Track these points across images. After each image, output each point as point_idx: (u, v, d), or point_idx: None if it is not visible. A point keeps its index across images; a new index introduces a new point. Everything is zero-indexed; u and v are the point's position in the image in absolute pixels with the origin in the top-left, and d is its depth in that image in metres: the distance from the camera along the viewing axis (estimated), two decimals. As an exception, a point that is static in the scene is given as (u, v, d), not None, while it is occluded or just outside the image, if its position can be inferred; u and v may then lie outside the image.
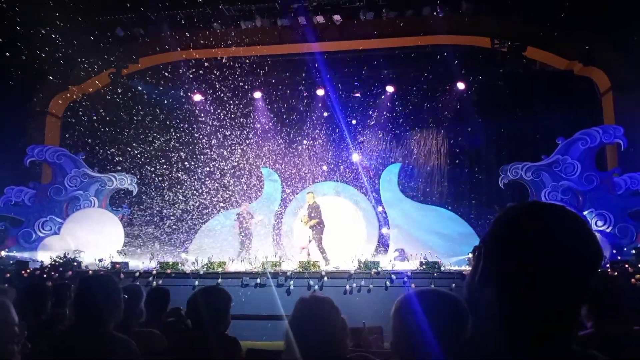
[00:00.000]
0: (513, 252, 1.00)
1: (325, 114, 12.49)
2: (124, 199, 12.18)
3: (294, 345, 1.95)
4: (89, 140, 12.20)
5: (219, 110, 12.31)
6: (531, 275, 0.97)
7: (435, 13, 10.18)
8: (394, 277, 8.11)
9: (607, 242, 9.31)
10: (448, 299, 1.51)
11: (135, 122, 12.06)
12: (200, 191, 12.35)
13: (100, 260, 9.33)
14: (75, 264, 9.04)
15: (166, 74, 11.94)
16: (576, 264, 0.98)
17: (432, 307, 1.45)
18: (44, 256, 9.50)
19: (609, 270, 7.69)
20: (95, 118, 12.09)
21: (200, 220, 12.33)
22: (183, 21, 10.76)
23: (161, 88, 12.11)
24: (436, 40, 10.90)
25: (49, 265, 8.85)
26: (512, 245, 1.01)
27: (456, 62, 11.09)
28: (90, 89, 12.30)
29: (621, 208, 9.78)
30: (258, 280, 8.25)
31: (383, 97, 12.12)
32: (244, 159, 12.63)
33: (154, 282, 8.13)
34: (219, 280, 8.20)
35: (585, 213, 9.89)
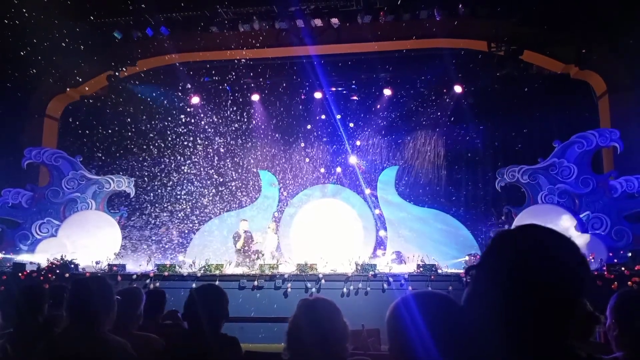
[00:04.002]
0: (505, 275, 1.06)
1: (323, 117, 12.52)
2: (121, 201, 12.16)
3: (295, 346, 1.96)
4: (87, 143, 12.19)
5: (217, 113, 12.33)
6: (522, 297, 1.03)
7: (432, 16, 10.22)
8: (391, 279, 8.12)
9: (603, 244, 9.35)
10: (442, 300, 1.51)
11: (133, 124, 12.07)
12: (197, 193, 12.36)
13: (97, 263, 9.32)
14: (73, 266, 9.03)
15: (164, 77, 11.96)
16: (565, 286, 1.05)
17: (427, 309, 1.46)
18: (41, 258, 9.47)
19: (605, 273, 7.72)
20: (93, 120, 12.10)
21: (198, 223, 12.33)
22: (181, 24, 10.77)
23: (159, 91, 12.11)
24: (433, 44, 10.94)
25: (46, 268, 8.83)
26: (504, 269, 1.07)
27: (453, 65, 11.14)
28: (88, 91, 12.30)
29: (617, 211, 9.82)
30: (255, 283, 8.26)
31: (380, 100, 12.15)
32: (242, 161, 12.65)
33: (152, 285, 8.13)
34: (217, 282, 8.19)
35: (581, 216, 9.94)
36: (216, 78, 12.16)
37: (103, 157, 12.27)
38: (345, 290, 8.07)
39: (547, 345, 1.01)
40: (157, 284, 8.15)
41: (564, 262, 1.06)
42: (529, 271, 1.04)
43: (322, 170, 12.68)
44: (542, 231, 1.12)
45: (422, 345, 1.39)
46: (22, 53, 9.76)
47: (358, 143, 12.55)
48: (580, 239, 9.32)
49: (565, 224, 9.73)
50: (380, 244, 12.02)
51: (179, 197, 12.27)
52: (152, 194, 12.19)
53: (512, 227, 1.17)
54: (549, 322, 1.02)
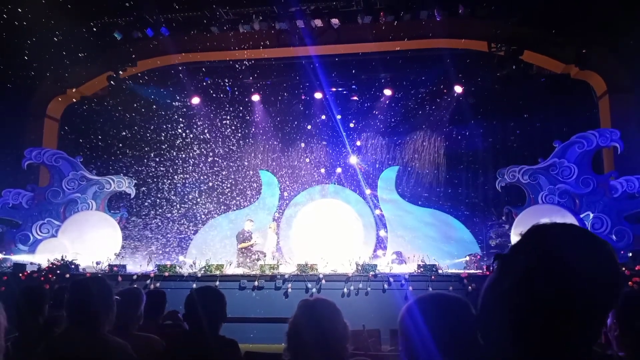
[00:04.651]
0: (529, 272, 1.00)
1: (323, 117, 12.52)
2: (122, 202, 12.16)
3: (295, 347, 1.95)
4: (87, 143, 12.19)
5: (217, 114, 12.33)
6: (543, 297, 0.98)
7: (432, 17, 10.22)
8: (391, 279, 8.12)
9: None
10: (449, 303, 1.51)
11: (133, 124, 12.07)
12: (198, 194, 12.36)
13: (97, 263, 9.32)
14: (73, 266, 9.03)
15: (164, 77, 11.96)
16: (591, 293, 0.98)
17: (432, 313, 1.45)
18: (42, 259, 9.47)
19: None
20: (93, 121, 12.09)
21: (199, 223, 12.32)
22: (181, 24, 10.77)
23: (159, 91, 12.12)
24: (434, 44, 10.94)
25: (47, 268, 8.83)
26: (531, 266, 1.01)
27: (453, 65, 11.13)
28: (89, 92, 12.31)
29: (618, 211, 9.82)
30: (256, 283, 8.26)
31: (381, 100, 12.15)
32: (242, 162, 12.65)
33: (152, 285, 8.12)
34: (217, 282, 8.19)
35: (582, 216, 9.93)
36: (216, 79, 12.16)
37: (103, 158, 12.28)
38: (345, 290, 8.07)
39: (560, 346, 0.99)
40: (158, 285, 8.15)
41: (594, 268, 0.99)
42: (554, 272, 0.98)
43: (323, 170, 12.69)
44: (577, 232, 1.06)
45: (425, 349, 1.39)
46: (22, 54, 9.76)
47: (358, 143, 12.56)
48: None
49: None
50: (380, 244, 12.02)
51: (179, 197, 12.27)
52: (152, 195, 12.20)
53: (549, 222, 1.08)
54: (567, 325, 0.98)
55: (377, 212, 12.27)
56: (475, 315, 1.40)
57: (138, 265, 9.86)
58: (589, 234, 1.05)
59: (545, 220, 1.13)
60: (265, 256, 10.16)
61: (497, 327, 1.05)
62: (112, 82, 11.57)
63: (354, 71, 11.89)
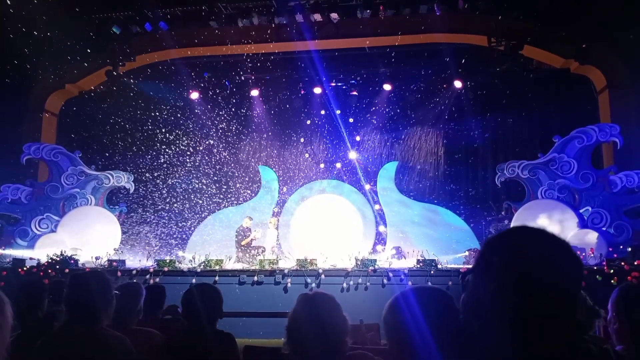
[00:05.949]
0: (502, 278, 1.07)
1: (323, 112, 12.49)
2: (121, 197, 12.15)
3: (295, 341, 1.96)
4: (86, 138, 12.18)
5: (216, 109, 12.30)
6: (522, 300, 1.04)
7: (432, 11, 10.18)
8: (391, 274, 8.13)
9: (603, 240, 9.36)
10: (440, 294, 1.51)
11: (132, 119, 12.05)
12: (197, 189, 12.35)
13: (97, 258, 9.33)
14: (72, 261, 9.03)
15: (163, 72, 11.93)
16: (563, 284, 1.07)
17: (425, 303, 1.45)
18: (41, 254, 9.48)
19: (605, 268, 7.73)
20: (91, 116, 12.07)
21: (198, 218, 12.33)
22: (180, 19, 10.73)
23: (158, 86, 12.08)
24: (433, 39, 10.90)
25: (46, 263, 8.83)
26: (501, 273, 1.08)
27: (453, 60, 11.10)
28: (87, 87, 12.27)
29: (617, 206, 9.83)
30: (255, 278, 8.27)
31: (380, 95, 12.12)
32: (242, 157, 12.63)
33: (151, 280, 8.14)
34: (216, 277, 8.20)
35: (581, 211, 9.94)
36: (215, 73, 12.12)
37: (102, 153, 12.27)
38: (345, 285, 8.08)
39: (555, 342, 1.01)
40: (157, 280, 8.16)
41: (558, 262, 1.08)
42: (525, 273, 1.05)
43: (322, 165, 12.68)
44: (534, 233, 1.13)
45: (421, 338, 1.38)
46: (21, 49, 9.72)
47: (358, 138, 12.53)
48: (588, 236, 9.38)
49: (565, 220, 9.75)
50: (380, 239, 12.03)
51: (178, 192, 12.26)
52: (151, 190, 12.18)
53: (503, 230, 1.18)
54: (554, 320, 1.02)
55: (377, 207, 12.27)
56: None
57: (137, 260, 9.87)
58: (545, 232, 1.13)
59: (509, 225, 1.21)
60: (264, 251, 10.16)
61: (485, 332, 1.10)
62: (110, 77, 11.53)
63: (353, 66, 11.86)
